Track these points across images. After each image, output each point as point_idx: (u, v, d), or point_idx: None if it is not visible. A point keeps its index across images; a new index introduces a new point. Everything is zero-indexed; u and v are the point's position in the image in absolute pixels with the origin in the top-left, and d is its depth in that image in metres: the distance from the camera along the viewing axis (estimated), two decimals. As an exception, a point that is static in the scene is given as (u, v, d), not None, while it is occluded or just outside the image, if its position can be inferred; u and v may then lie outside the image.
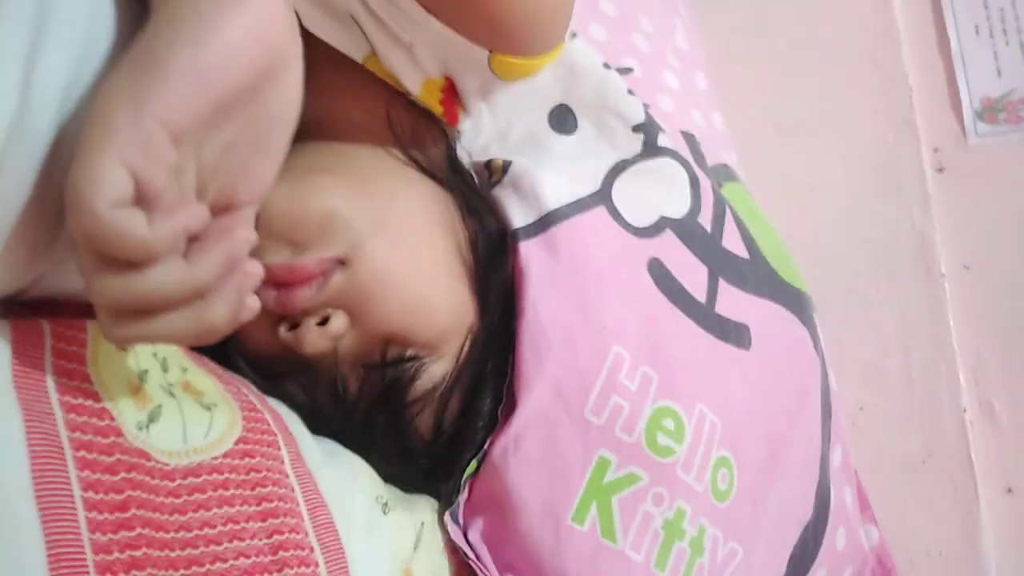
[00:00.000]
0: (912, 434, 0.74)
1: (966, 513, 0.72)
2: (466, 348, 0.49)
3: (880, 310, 0.78)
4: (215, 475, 0.34)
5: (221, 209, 0.33)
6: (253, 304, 0.34)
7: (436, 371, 0.49)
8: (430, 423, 0.49)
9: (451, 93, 0.52)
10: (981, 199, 0.78)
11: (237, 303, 0.32)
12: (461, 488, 0.50)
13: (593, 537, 0.48)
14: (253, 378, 0.45)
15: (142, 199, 0.30)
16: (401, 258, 0.48)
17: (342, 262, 0.46)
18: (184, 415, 0.34)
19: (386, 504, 0.45)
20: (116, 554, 0.28)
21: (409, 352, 0.48)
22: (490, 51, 0.49)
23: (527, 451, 0.49)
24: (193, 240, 0.32)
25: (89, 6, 0.30)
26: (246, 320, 0.34)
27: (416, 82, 0.50)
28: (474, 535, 0.50)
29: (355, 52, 0.50)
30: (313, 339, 0.46)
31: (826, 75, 0.82)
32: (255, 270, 0.34)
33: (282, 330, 0.46)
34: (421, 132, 0.53)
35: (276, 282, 0.45)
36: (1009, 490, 0.73)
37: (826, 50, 0.82)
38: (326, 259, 0.46)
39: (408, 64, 0.49)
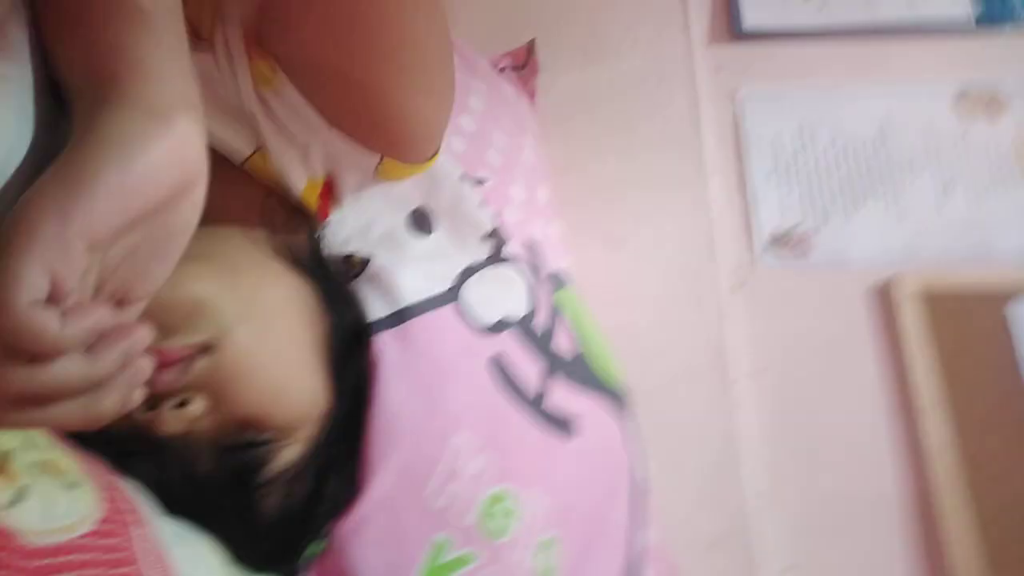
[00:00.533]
0: (709, 519, 0.82)
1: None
2: (318, 434, 0.52)
3: (683, 407, 0.86)
4: (76, 555, 0.34)
5: (114, 303, 0.36)
6: (139, 396, 0.36)
7: (287, 455, 0.51)
8: (277, 505, 0.51)
9: (328, 191, 0.56)
10: (768, 315, 0.90)
11: (127, 395, 0.35)
12: (303, 569, 0.52)
13: (429, 616, 0.51)
14: (105, 455, 0.45)
15: (52, 299, 0.32)
16: (264, 347, 0.50)
17: (207, 347, 0.48)
18: (49, 495, 0.35)
19: (231, 583, 0.46)
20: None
21: (264, 436, 0.50)
22: (382, 157, 0.54)
23: (370, 534, 0.51)
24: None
25: (10, 115, 0.32)
26: (129, 409, 0.36)
27: (301, 180, 0.53)
28: (315, 614, 0.52)
29: (238, 150, 0.53)
30: (170, 421, 0.47)
31: (645, 197, 0.93)
32: (146, 366, 0.36)
33: (139, 410, 0.47)
34: (291, 224, 0.56)
35: None
36: (792, 567, 0.83)
37: (646, 175, 0.94)
38: (191, 345, 0.47)
39: (298, 163, 0.53)
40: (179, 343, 0.47)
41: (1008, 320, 0.83)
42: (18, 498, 0.33)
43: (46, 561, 0.33)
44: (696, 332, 0.89)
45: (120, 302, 0.36)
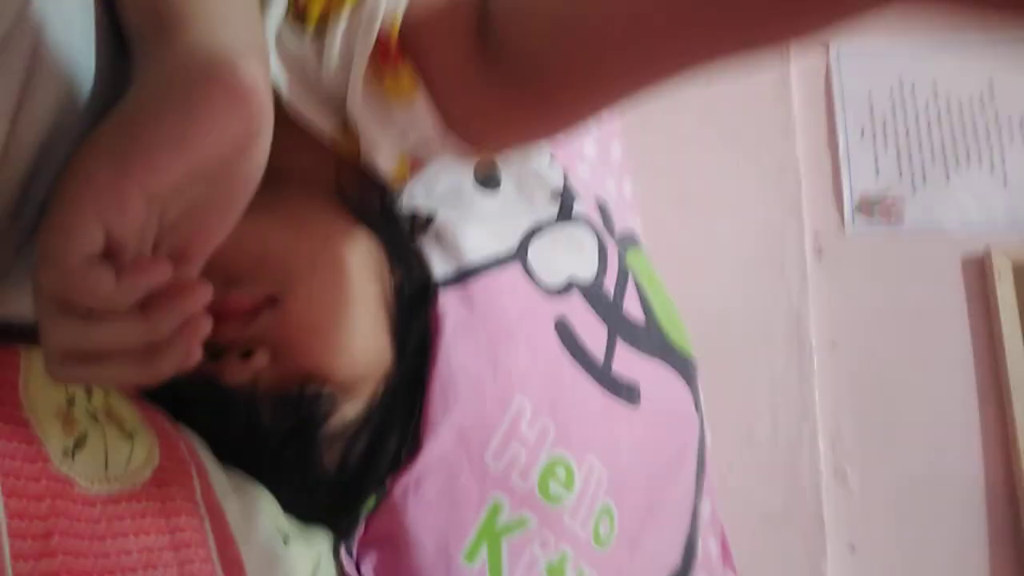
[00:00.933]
0: (773, 493, 0.81)
1: (814, 568, 0.79)
2: (380, 392, 0.52)
3: (755, 377, 0.84)
4: (134, 503, 0.35)
5: (174, 259, 0.35)
6: (197, 355, 0.35)
7: (349, 411, 0.51)
8: (336, 460, 0.51)
9: (413, 167, 0.55)
10: (852, 284, 0.86)
11: (184, 355, 0.34)
12: (359, 523, 0.52)
13: (482, 576, 0.51)
14: (167, 403, 0.46)
15: (109, 253, 0.31)
16: (328, 302, 0.49)
17: (272, 300, 0.48)
18: (107, 443, 0.35)
19: (287, 536, 0.46)
20: (36, 580, 0.29)
21: (325, 391, 0.50)
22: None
23: (427, 492, 0.51)
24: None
25: (72, 57, 0.31)
26: (187, 369, 0.35)
27: (390, 163, 0.52)
28: (367, 568, 0.52)
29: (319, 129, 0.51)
30: (235, 372, 0.47)
31: (727, 156, 0.89)
32: (206, 325, 0.35)
33: (204, 359, 0.47)
34: (363, 180, 0.55)
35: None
36: (852, 548, 0.81)
37: (729, 133, 0.89)
38: (257, 296, 0.47)
39: (389, 150, 0.51)
40: (245, 293, 0.47)
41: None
42: (77, 446, 0.34)
43: (106, 509, 0.34)
44: (776, 298, 0.86)
45: (180, 257, 0.35)
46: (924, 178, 0.85)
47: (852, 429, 0.82)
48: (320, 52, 0.45)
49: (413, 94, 0.44)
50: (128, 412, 0.39)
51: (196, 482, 0.40)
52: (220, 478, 0.43)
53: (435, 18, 0.43)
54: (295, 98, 0.46)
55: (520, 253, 0.58)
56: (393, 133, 0.48)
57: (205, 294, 0.35)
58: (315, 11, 0.45)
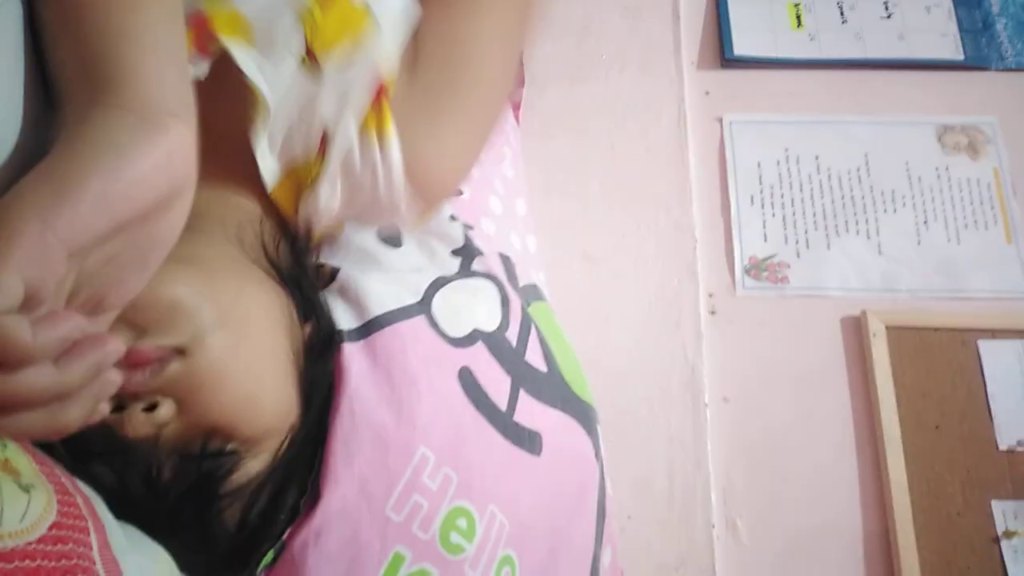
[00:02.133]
0: (669, 544, 0.83)
1: (706, 621, 0.81)
2: (284, 446, 0.51)
3: (653, 431, 0.87)
4: (27, 561, 0.34)
5: (89, 310, 0.35)
6: (104, 409, 0.35)
7: (252, 467, 0.50)
8: (236, 516, 0.50)
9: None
10: (743, 341, 0.90)
11: (93, 407, 0.34)
12: (256, 579, 0.51)
13: (382, 631, 0.51)
14: (63, 455, 0.45)
15: (26, 307, 0.31)
16: (239, 355, 0.49)
17: (181, 352, 0.47)
18: (2, 497, 0.34)
19: (183, 592, 0.45)
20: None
21: (229, 446, 0.49)
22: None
23: (327, 545, 0.51)
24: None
25: None
26: (94, 422, 0.35)
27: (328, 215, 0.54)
28: (266, 624, 0.51)
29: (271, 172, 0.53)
30: (138, 424, 0.46)
31: (629, 217, 0.93)
32: (116, 379, 0.35)
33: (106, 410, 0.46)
34: (276, 234, 0.56)
35: None
36: (745, 599, 0.83)
37: (630, 197, 0.94)
38: (165, 347, 0.47)
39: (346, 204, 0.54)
40: (152, 344, 0.46)
41: (978, 357, 0.84)
42: (-33, 499, 0.33)
43: (-6, 564, 0.32)
44: (673, 354, 0.89)
45: (94, 309, 0.35)
46: (807, 244, 0.92)
47: (742, 482, 0.86)
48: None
49: (390, 135, 0.48)
50: (25, 464, 0.38)
51: (93, 538, 0.39)
52: (117, 534, 0.42)
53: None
54: (257, 139, 0.48)
55: (424, 304, 0.59)
56: (356, 187, 0.51)
57: (119, 346, 0.35)
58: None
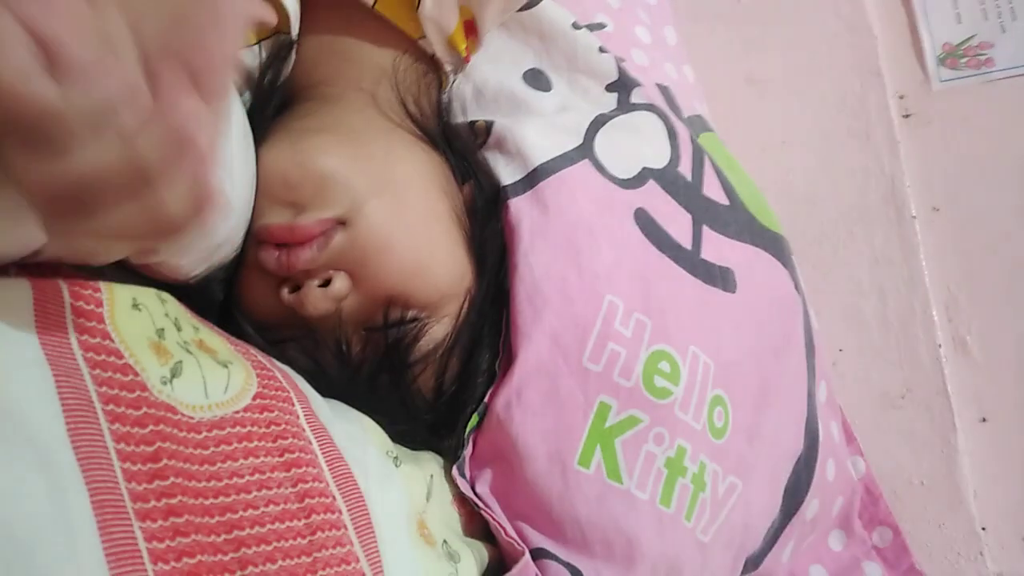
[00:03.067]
0: (890, 372, 0.76)
1: (944, 443, 0.75)
2: (465, 309, 0.50)
3: (854, 254, 0.80)
4: (238, 428, 0.34)
5: (179, 87, 0.27)
6: (215, 194, 0.28)
7: (437, 332, 0.50)
8: (431, 382, 0.50)
9: (471, 27, 0.53)
10: (947, 142, 0.80)
11: (194, 190, 0.27)
12: (465, 443, 0.51)
13: (600, 479, 0.50)
14: (257, 342, 0.46)
15: (52, 64, 0.24)
16: (400, 219, 0.48)
17: (342, 222, 0.46)
18: (203, 371, 0.35)
19: (396, 458, 0.46)
20: (153, 502, 0.29)
21: (410, 314, 0.49)
22: None
23: (530, 401, 0.50)
24: None
25: None
26: (209, 210, 0.28)
27: (454, 16, 0.50)
28: (482, 487, 0.51)
29: None
30: (316, 300, 0.46)
31: (792, 28, 0.84)
32: (210, 151, 0.28)
33: (284, 293, 0.47)
34: (419, 93, 0.54)
35: (277, 243, 0.46)
36: (983, 419, 0.76)
37: (791, 4, 0.84)
38: (325, 219, 0.46)
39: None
40: (312, 218, 0.46)
41: None
42: (174, 373, 0.33)
43: (209, 434, 0.33)
44: (867, 168, 0.81)
45: (189, 82, 0.27)
46: (1013, 14, 0.78)
47: (967, 296, 0.77)
48: None
49: None
50: (219, 344, 0.39)
51: (298, 407, 0.39)
52: (321, 404, 0.42)
53: None
54: None
55: (586, 148, 0.55)
56: None
57: (199, 109, 0.27)
58: None
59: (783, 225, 0.67)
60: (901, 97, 0.82)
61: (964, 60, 0.79)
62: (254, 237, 0.47)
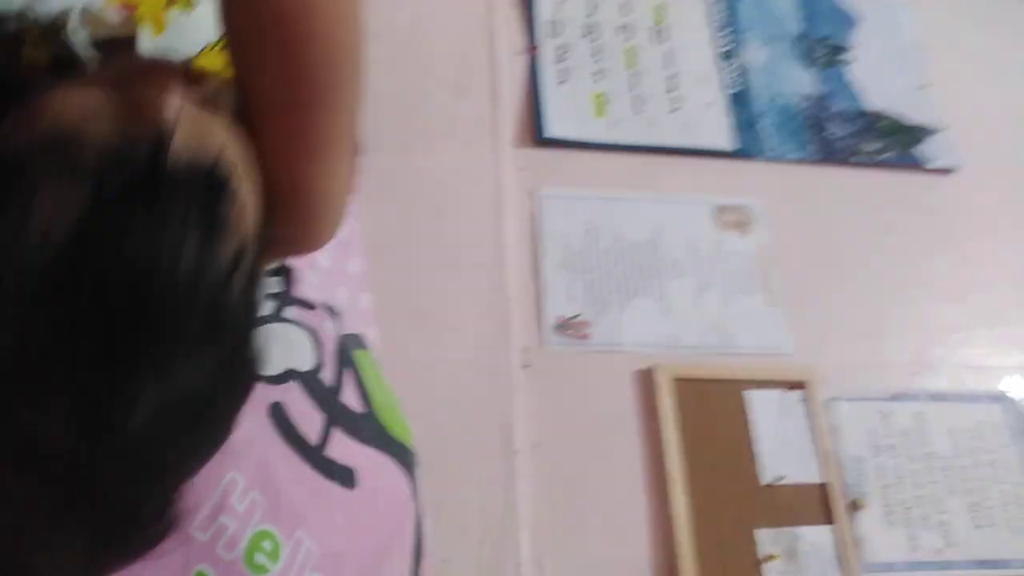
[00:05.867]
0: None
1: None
2: None
3: (469, 475, 0.93)
4: None
5: None
6: None
7: None
8: None
9: None
10: (552, 392, 0.99)
11: None
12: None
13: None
14: None
15: None
16: None
17: None
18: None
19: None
20: None
21: None
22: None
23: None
24: None
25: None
26: None
27: None
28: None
29: None
30: None
31: (451, 281, 1.01)
32: None
33: None
34: None
35: None
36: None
37: (453, 262, 1.02)
38: None
39: None
40: None
41: (747, 405, 0.97)
42: None
43: None
44: (489, 405, 0.96)
45: None
46: (606, 305, 1.03)
47: (549, 522, 0.93)
48: None
49: None
50: None
51: None
52: None
53: None
54: None
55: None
56: None
57: None
58: None
59: (419, 442, 0.77)
60: (524, 350, 1.01)
61: (571, 331, 1.01)
62: None
